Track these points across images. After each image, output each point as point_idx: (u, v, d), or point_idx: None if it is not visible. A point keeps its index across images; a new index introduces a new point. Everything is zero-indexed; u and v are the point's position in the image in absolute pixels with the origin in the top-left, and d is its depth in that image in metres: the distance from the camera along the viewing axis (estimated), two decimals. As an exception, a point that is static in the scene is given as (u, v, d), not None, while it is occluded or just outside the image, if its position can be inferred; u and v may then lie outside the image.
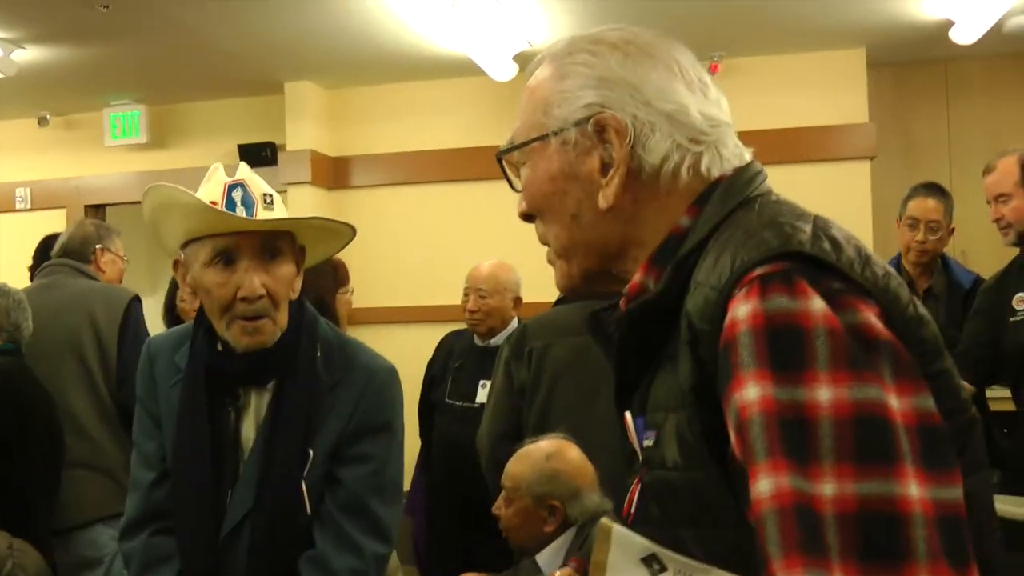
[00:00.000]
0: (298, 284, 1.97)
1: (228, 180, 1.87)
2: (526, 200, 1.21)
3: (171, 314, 3.75)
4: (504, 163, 1.25)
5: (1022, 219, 3.37)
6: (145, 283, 6.25)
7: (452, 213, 5.94)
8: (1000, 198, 3.42)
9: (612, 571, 1.14)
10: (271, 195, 1.90)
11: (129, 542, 2.00)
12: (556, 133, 1.15)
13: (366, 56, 5.47)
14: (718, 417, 0.96)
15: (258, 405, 1.97)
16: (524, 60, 5.03)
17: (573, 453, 2.62)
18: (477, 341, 4.01)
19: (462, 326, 4.15)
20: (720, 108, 1.17)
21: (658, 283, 1.10)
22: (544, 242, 1.23)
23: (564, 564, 2.41)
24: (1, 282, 3.46)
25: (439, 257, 5.84)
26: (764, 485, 0.87)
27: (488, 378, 3.39)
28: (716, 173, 1.14)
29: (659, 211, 1.13)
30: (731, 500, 0.96)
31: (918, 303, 1.01)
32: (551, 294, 2.28)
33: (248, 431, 1.96)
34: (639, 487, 1.17)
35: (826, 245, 0.97)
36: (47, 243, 4.10)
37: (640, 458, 1.14)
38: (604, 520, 1.24)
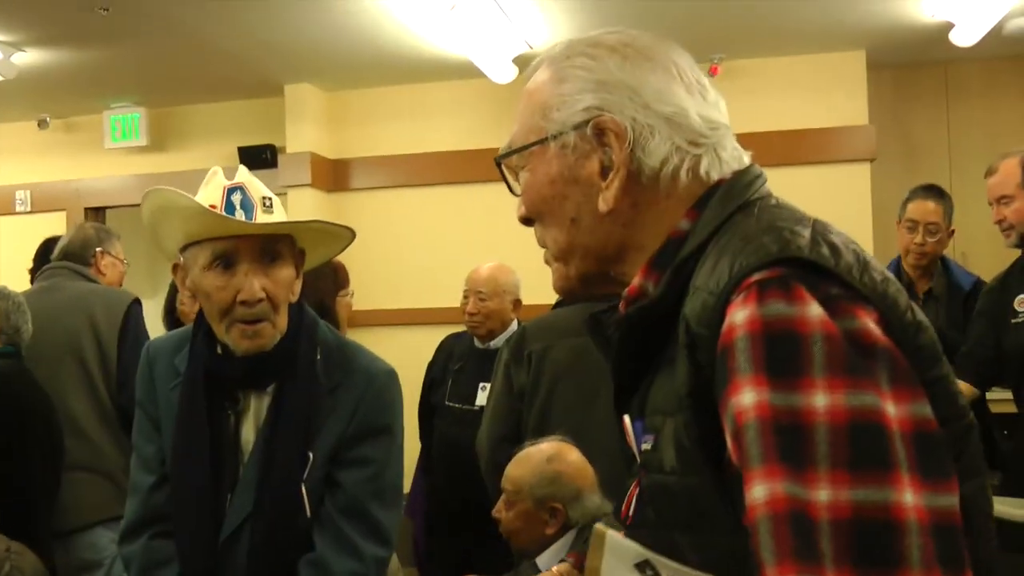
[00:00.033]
0: (297, 287, 1.97)
1: (227, 183, 1.87)
2: (525, 204, 1.21)
3: (171, 317, 3.75)
4: (503, 167, 1.24)
5: None
6: (145, 285, 6.25)
7: (452, 215, 5.94)
8: (1002, 200, 3.41)
9: None
10: (270, 198, 1.90)
11: (128, 546, 2.00)
12: (555, 137, 1.15)
13: (366, 58, 5.47)
14: (715, 422, 0.96)
15: (258, 408, 1.96)
16: (524, 62, 5.03)
17: (573, 455, 2.61)
18: (477, 343, 4.01)
19: (462, 328, 4.15)
20: (719, 110, 1.17)
21: (657, 286, 1.10)
22: (543, 245, 1.23)
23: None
24: (1, 285, 3.46)
25: (439, 259, 5.83)
26: (759, 491, 0.87)
27: (488, 380, 3.39)
28: (715, 176, 1.14)
29: (658, 214, 1.13)
30: (727, 506, 0.96)
31: (916, 309, 1.01)
32: (550, 296, 2.28)
33: (248, 434, 1.96)
34: (637, 490, 1.17)
35: (825, 250, 0.97)
36: (47, 246, 4.10)
37: (638, 461, 1.14)
38: (598, 526, 1.25)
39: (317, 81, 5.99)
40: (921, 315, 1.01)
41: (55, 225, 6.11)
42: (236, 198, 1.85)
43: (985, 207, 5.06)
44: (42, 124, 6.51)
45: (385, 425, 2.02)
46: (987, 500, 1.03)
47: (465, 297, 4.01)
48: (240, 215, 1.84)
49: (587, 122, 1.13)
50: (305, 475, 1.93)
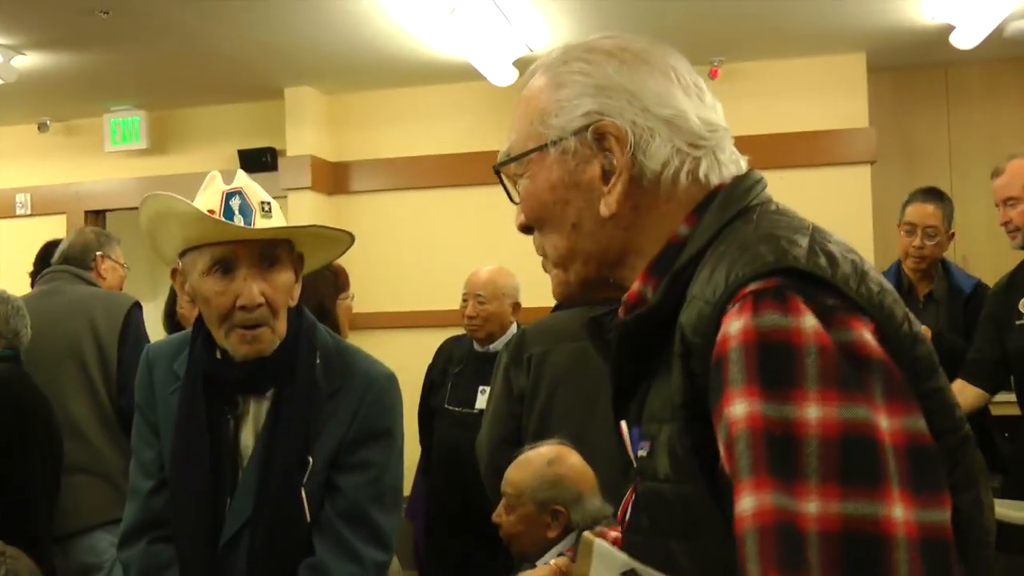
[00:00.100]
0: (297, 292, 1.97)
1: (226, 188, 1.87)
2: (524, 211, 1.21)
3: (171, 320, 3.75)
4: (502, 175, 1.24)
5: None
6: (146, 288, 6.25)
7: (452, 218, 5.94)
8: (1008, 201, 3.40)
9: None
10: (269, 203, 1.90)
11: (128, 550, 2.00)
12: (555, 143, 1.15)
13: (366, 61, 5.47)
14: (709, 431, 0.96)
15: (257, 413, 1.96)
16: (524, 65, 5.02)
17: (574, 458, 2.61)
18: (476, 347, 4.01)
19: (463, 331, 4.14)
20: (716, 113, 1.17)
21: (656, 292, 1.09)
22: (541, 253, 1.22)
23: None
24: (0, 288, 3.46)
25: (439, 262, 5.83)
26: (747, 502, 0.87)
27: (487, 384, 3.39)
28: (715, 180, 1.13)
29: (659, 218, 1.13)
30: (720, 515, 0.96)
31: (913, 320, 1.00)
32: (550, 299, 2.27)
33: (247, 439, 1.95)
34: (633, 497, 1.17)
35: (822, 261, 0.96)
36: (48, 250, 4.10)
37: (635, 468, 1.13)
38: (587, 534, 1.26)
39: (317, 84, 5.99)
40: (918, 327, 1.00)
41: (55, 228, 6.12)
42: (235, 203, 1.84)
43: (986, 209, 5.04)
44: (42, 127, 6.52)
45: (385, 429, 2.02)
46: (982, 513, 1.02)
47: (464, 300, 4.01)
48: (239, 220, 1.84)
49: (587, 127, 1.13)
50: (305, 479, 1.92)
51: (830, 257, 0.97)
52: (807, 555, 0.83)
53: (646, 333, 1.08)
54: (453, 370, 4.04)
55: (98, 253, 3.86)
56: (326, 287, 3.15)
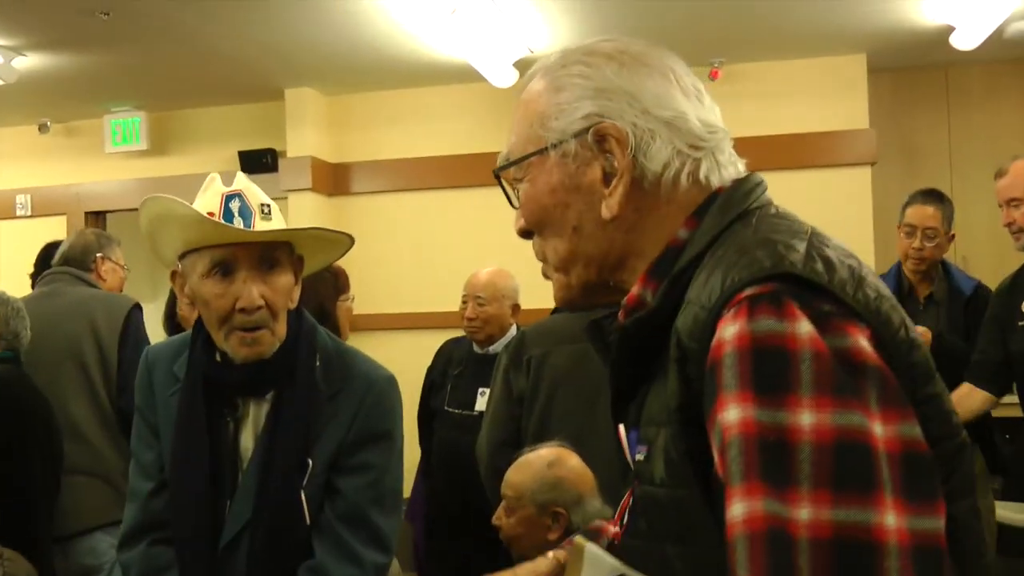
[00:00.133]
0: (296, 294, 1.97)
1: (225, 190, 1.87)
2: (525, 216, 1.20)
3: (171, 321, 3.75)
4: (502, 180, 1.23)
5: None
6: (146, 290, 6.25)
7: (453, 219, 5.94)
8: (1012, 202, 3.40)
9: None
10: (269, 205, 1.90)
11: (127, 552, 2.00)
12: (555, 146, 1.14)
13: (366, 62, 5.48)
14: (703, 436, 0.96)
15: (257, 415, 1.96)
16: (524, 66, 5.02)
17: (573, 460, 2.61)
18: (476, 349, 4.01)
19: (463, 333, 4.14)
20: (715, 115, 1.17)
21: (655, 295, 1.09)
22: (541, 258, 1.22)
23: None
24: (0, 290, 3.46)
25: (440, 263, 5.84)
26: (737, 509, 0.87)
27: (487, 386, 3.39)
28: (715, 181, 1.13)
29: (659, 219, 1.13)
30: (714, 520, 0.96)
31: (910, 327, 1.00)
32: (549, 301, 2.27)
33: (247, 441, 1.95)
34: (630, 500, 1.16)
35: (819, 266, 0.96)
36: (48, 251, 4.11)
37: (633, 471, 1.13)
38: (578, 538, 1.26)
39: (318, 85, 5.99)
40: (914, 333, 1.00)
41: (55, 229, 6.12)
42: (234, 205, 1.84)
43: (986, 210, 5.03)
44: (43, 128, 6.52)
45: (385, 431, 2.02)
46: (979, 521, 1.01)
47: (464, 302, 4.01)
48: (238, 222, 1.83)
49: (587, 129, 1.12)
50: (304, 482, 1.92)
51: (827, 262, 0.97)
52: (798, 562, 0.83)
53: (645, 337, 1.08)
54: (453, 372, 4.04)
55: (98, 255, 3.87)
56: (326, 289, 3.15)
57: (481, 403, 3.72)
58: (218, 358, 1.95)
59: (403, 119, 6.08)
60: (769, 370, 0.89)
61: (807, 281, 0.94)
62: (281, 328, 1.92)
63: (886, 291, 1.01)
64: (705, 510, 0.97)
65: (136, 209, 1.91)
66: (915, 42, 5.25)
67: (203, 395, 1.94)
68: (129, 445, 2.15)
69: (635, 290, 1.12)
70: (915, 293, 3.95)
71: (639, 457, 1.09)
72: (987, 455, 3.73)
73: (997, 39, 4.92)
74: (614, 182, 1.12)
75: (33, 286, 4.01)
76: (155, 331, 3.77)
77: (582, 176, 1.14)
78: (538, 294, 2.79)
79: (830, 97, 5.54)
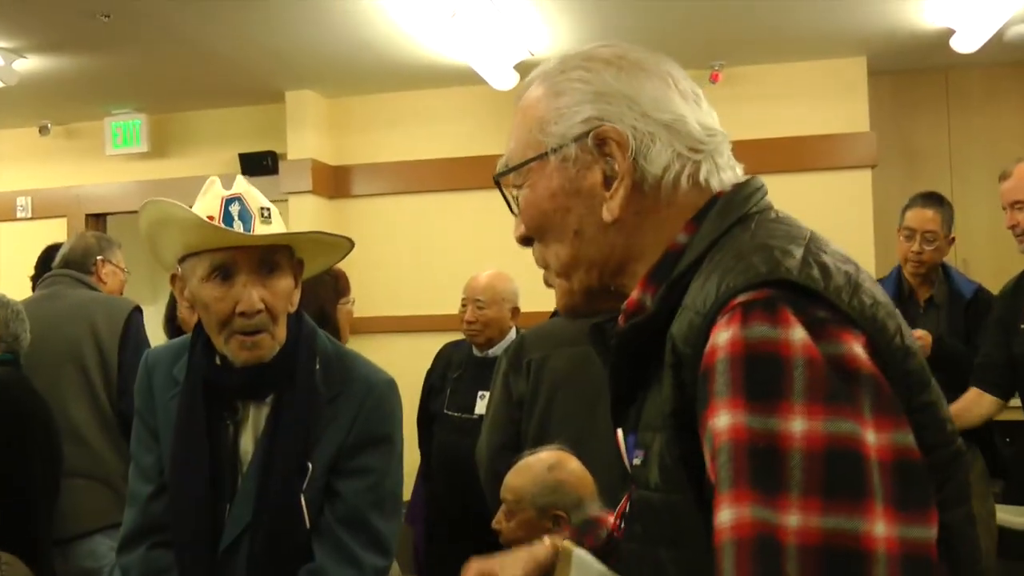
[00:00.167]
0: (296, 297, 1.97)
1: (225, 194, 1.87)
2: (525, 221, 1.20)
3: (172, 324, 3.75)
4: (501, 186, 1.23)
5: None
6: (146, 292, 6.25)
7: (453, 222, 5.94)
8: (1016, 204, 3.39)
9: None
10: (268, 209, 1.90)
11: (127, 555, 2.00)
12: (555, 150, 1.14)
13: (367, 65, 5.48)
14: (696, 442, 0.96)
15: (256, 419, 1.96)
16: (525, 69, 5.03)
17: (573, 464, 2.61)
18: (475, 352, 4.01)
19: (462, 336, 4.14)
20: (713, 119, 1.17)
21: (654, 300, 1.09)
22: (542, 265, 1.22)
23: None
24: (0, 293, 3.47)
25: (440, 266, 5.83)
26: (725, 515, 0.87)
27: (487, 389, 3.39)
28: (714, 184, 1.13)
29: (659, 222, 1.13)
30: (708, 525, 0.95)
31: (906, 334, 0.99)
32: (549, 304, 2.27)
33: (247, 445, 1.95)
34: (627, 504, 1.17)
35: (815, 272, 0.96)
36: (49, 253, 4.11)
37: (630, 475, 1.14)
38: (566, 543, 1.26)
39: (318, 87, 6.00)
40: (910, 340, 0.99)
41: (56, 231, 6.12)
42: (234, 208, 1.84)
43: (986, 213, 5.03)
44: (43, 130, 6.53)
45: (385, 434, 2.02)
46: (974, 528, 1.01)
47: (463, 305, 4.01)
48: (238, 226, 1.83)
49: (587, 133, 1.12)
50: (304, 485, 1.92)
51: (823, 268, 0.97)
52: (786, 568, 0.83)
53: (643, 341, 1.08)
54: (452, 375, 4.04)
55: (99, 257, 3.87)
56: (327, 292, 3.15)
57: (481, 406, 3.72)
58: (218, 361, 1.95)
59: (403, 122, 6.08)
60: (761, 376, 0.89)
61: (802, 287, 0.94)
62: (281, 332, 1.92)
63: (883, 297, 1.00)
64: (698, 515, 0.97)
65: (137, 211, 1.91)
66: (915, 45, 5.25)
67: (203, 398, 1.94)
68: (129, 448, 2.15)
69: (635, 294, 1.12)
70: (915, 296, 3.95)
71: (636, 461, 1.09)
72: (988, 458, 3.73)
73: (997, 42, 4.93)
74: (615, 185, 1.12)
75: (34, 288, 4.02)
76: (155, 334, 3.77)
77: (583, 180, 1.14)
78: (538, 297, 2.79)
79: (830, 100, 5.55)
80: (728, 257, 1.01)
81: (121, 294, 4.00)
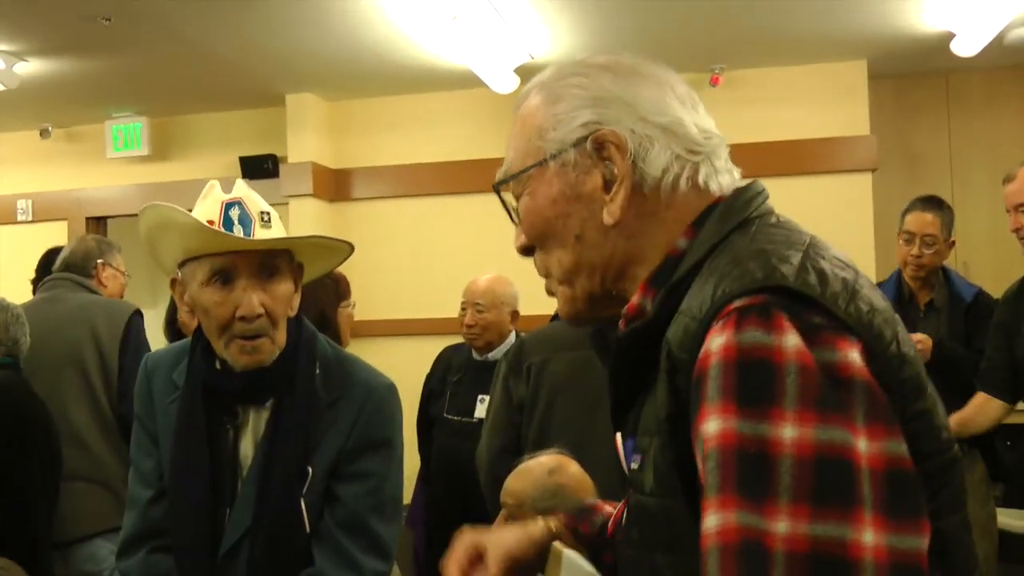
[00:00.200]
0: (296, 302, 1.96)
1: (225, 198, 1.86)
2: (526, 230, 1.20)
3: (172, 327, 3.76)
4: (501, 196, 1.24)
5: None
6: (146, 296, 6.26)
7: (453, 225, 5.93)
8: (1020, 208, 3.38)
9: None
10: (268, 213, 1.90)
11: (127, 560, 2.00)
12: (554, 156, 1.15)
13: (367, 68, 5.48)
14: (690, 447, 0.96)
15: (256, 423, 1.96)
16: (526, 72, 5.03)
17: (573, 468, 2.60)
18: (475, 355, 4.01)
19: (462, 339, 4.14)
20: (710, 123, 1.17)
21: (654, 305, 1.09)
22: (544, 273, 1.22)
23: None
24: (0, 296, 3.47)
25: (440, 269, 5.83)
26: (711, 520, 0.87)
27: (486, 393, 3.39)
28: (713, 187, 1.14)
29: (659, 226, 1.13)
30: (700, 531, 0.96)
31: (903, 341, 0.99)
32: (548, 307, 2.27)
33: (247, 449, 1.95)
34: (624, 509, 1.17)
35: (811, 278, 0.95)
36: (50, 257, 4.12)
37: (628, 480, 1.14)
38: (556, 544, 1.26)
39: (319, 91, 6.00)
40: (907, 347, 0.99)
41: (56, 234, 6.12)
42: (234, 213, 1.84)
43: (987, 217, 5.03)
44: (44, 133, 6.52)
45: (385, 439, 2.02)
46: (969, 534, 1.01)
47: (463, 309, 4.01)
48: (238, 230, 1.83)
49: (586, 138, 1.13)
50: (304, 490, 1.92)
51: (821, 275, 0.96)
52: (772, 574, 0.83)
53: (641, 347, 1.08)
54: (452, 379, 4.04)
55: (99, 261, 3.88)
56: (327, 295, 3.15)
57: (480, 410, 3.72)
58: (218, 366, 1.95)
59: (404, 125, 6.08)
60: (754, 382, 0.89)
61: (798, 293, 0.94)
62: (281, 336, 1.92)
63: (881, 304, 1.00)
64: (691, 520, 0.97)
65: (137, 215, 1.91)
66: (916, 48, 5.25)
67: (203, 403, 1.94)
68: (129, 451, 2.15)
69: (635, 299, 1.12)
70: (915, 300, 3.94)
71: (633, 466, 1.10)
72: (988, 462, 3.73)
73: (997, 46, 4.93)
74: (615, 187, 1.12)
75: (34, 292, 4.02)
76: (156, 337, 3.77)
77: (582, 185, 1.14)
78: (537, 301, 2.78)
79: (831, 103, 5.54)
80: (725, 262, 1.01)
81: (121, 298, 4.00)
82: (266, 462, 1.92)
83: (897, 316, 1.03)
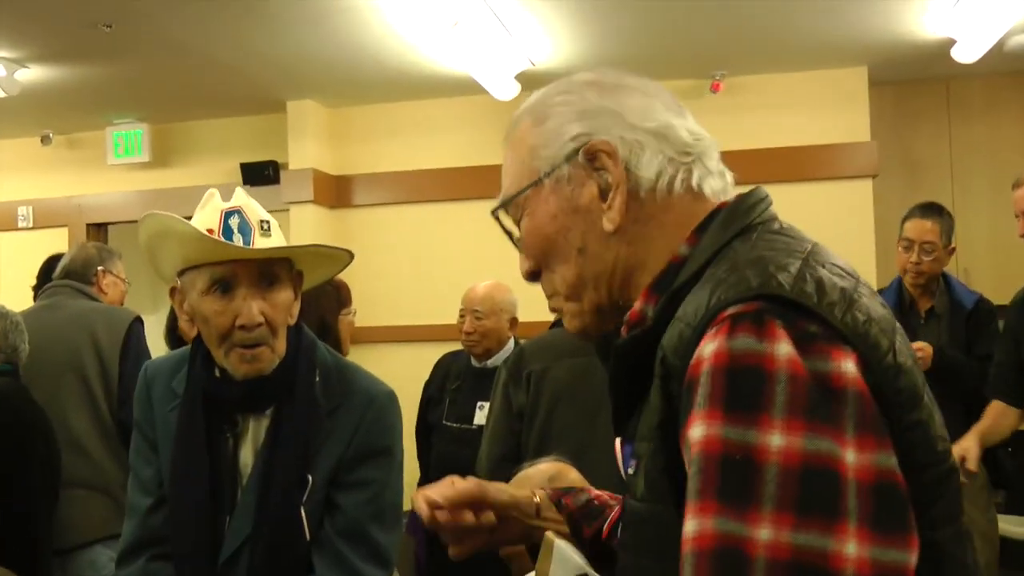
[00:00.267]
0: (296, 310, 1.96)
1: (224, 207, 1.86)
2: (528, 251, 1.21)
3: (173, 334, 3.75)
4: (502, 222, 1.25)
5: None
6: (147, 303, 6.25)
7: (453, 232, 5.93)
8: None
9: None
10: (268, 222, 1.89)
11: (126, 568, 1.99)
12: (548, 174, 1.16)
13: (368, 75, 5.48)
14: (680, 453, 0.96)
15: (256, 431, 1.95)
16: (526, 79, 5.05)
17: (573, 475, 2.59)
18: (474, 362, 4.00)
19: (461, 346, 4.13)
20: (699, 126, 1.18)
21: (654, 312, 1.09)
22: (551, 293, 1.22)
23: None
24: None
25: (440, 276, 5.83)
26: (689, 526, 0.88)
27: (485, 399, 3.38)
28: (707, 190, 1.14)
29: (658, 230, 1.14)
30: None
31: (899, 351, 0.98)
32: (547, 314, 2.27)
33: (246, 457, 1.95)
34: (620, 514, 1.17)
35: (808, 287, 0.95)
36: (50, 264, 4.12)
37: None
38: (548, 534, 1.27)
39: (319, 97, 6.00)
40: (904, 357, 0.98)
41: (57, 241, 6.13)
42: (234, 222, 1.84)
43: (987, 223, 5.02)
44: (45, 140, 6.53)
45: (385, 447, 2.01)
46: (963, 546, 1.01)
47: (461, 316, 4.00)
48: (238, 239, 1.83)
49: (577, 150, 1.14)
50: (304, 498, 1.92)
51: (818, 283, 0.96)
52: None
53: (641, 354, 1.08)
54: (451, 386, 4.04)
55: (99, 268, 3.88)
56: (328, 303, 3.15)
57: (479, 417, 3.72)
58: (217, 374, 1.95)
59: (405, 131, 6.09)
60: (743, 389, 0.89)
61: (794, 302, 0.93)
62: (281, 344, 1.92)
63: (879, 313, 0.99)
64: (680, 527, 0.96)
65: (138, 221, 1.91)
66: (916, 55, 5.25)
67: (202, 411, 1.94)
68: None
69: (637, 305, 1.12)
70: (916, 307, 3.94)
71: (630, 471, 1.10)
72: (990, 469, 3.72)
73: (998, 52, 4.93)
74: (611, 194, 1.13)
75: (35, 299, 4.02)
76: (156, 344, 3.77)
77: (579, 197, 1.15)
78: (536, 307, 2.79)
79: (831, 109, 5.55)
80: (723, 269, 1.01)
81: (122, 305, 4.01)
82: (266, 470, 1.91)
83: (897, 324, 1.02)
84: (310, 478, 1.92)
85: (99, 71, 5.33)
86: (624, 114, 1.14)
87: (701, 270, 1.06)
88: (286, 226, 5.35)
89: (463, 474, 3.72)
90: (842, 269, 1.03)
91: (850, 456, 0.86)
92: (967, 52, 4.81)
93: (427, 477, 4.18)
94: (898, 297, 3.94)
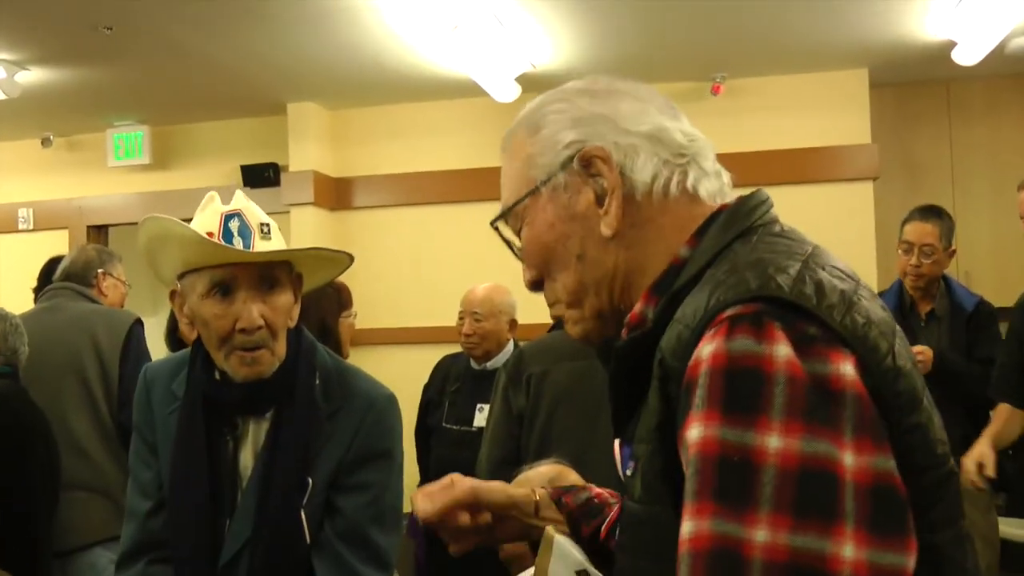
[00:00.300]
0: (296, 313, 1.96)
1: (224, 209, 1.86)
2: (529, 259, 1.22)
3: (174, 336, 3.76)
4: (502, 233, 1.25)
5: None
6: (147, 305, 6.25)
7: (453, 234, 5.93)
8: None
9: None
10: (268, 224, 1.89)
11: (126, 572, 1.99)
12: (545, 182, 1.17)
13: (369, 77, 5.49)
14: (678, 455, 0.96)
15: (256, 434, 1.95)
16: (527, 81, 5.05)
17: (573, 477, 2.58)
18: (473, 364, 4.00)
19: (461, 348, 4.13)
20: (693, 128, 1.19)
21: (654, 314, 1.09)
22: (553, 301, 1.23)
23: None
24: (-1, 306, 3.48)
25: (440, 278, 5.83)
26: (686, 527, 0.88)
27: (485, 402, 3.38)
28: (702, 191, 1.15)
29: (656, 232, 1.14)
30: None
31: (899, 354, 0.98)
32: (547, 316, 2.27)
33: (246, 460, 1.95)
34: (618, 515, 1.17)
35: (807, 289, 0.95)
36: (51, 266, 4.12)
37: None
38: (548, 529, 1.28)
39: (320, 99, 6.01)
40: (903, 360, 0.98)
41: (58, 243, 6.13)
42: (233, 225, 1.84)
43: (988, 225, 5.02)
44: (45, 142, 6.53)
45: (385, 450, 2.01)
46: (962, 549, 1.00)
47: (461, 318, 4.00)
48: (238, 242, 1.83)
49: (572, 157, 1.15)
50: (304, 501, 1.92)
51: (818, 285, 0.96)
52: None
53: (640, 356, 1.08)
54: (450, 388, 4.04)
55: (100, 270, 3.88)
56: (329, 305, 3.15)
57: (479, 419, 3.72)
58: (217, 376, 1.95)
59: (405, 133, 6.09)
60: (741, 390, 0.89)
61: (793, 304, 0.93)
62: (281, 347, 1.92)
63: (879, 315, 0.99)
64: (677, 529, 0.96)
65: (138, 223, 1.91)
66: (917, 57, 5.25)
67: (202, 413, 1.94)
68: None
69: (637, 307, 1.12)
70: (916, 309, 3.94)
71: (628, 473, 1.10)
72: (990, 471, 3.72)
73: (999, 54, 4.93)
74: (607, 200, 1.14)
75: (36, 301, 4.02)
76: (157, 346, 3.77)
77: (576, 204, 1.16)
78: (535, 309, 2.78)
79: (832, 112, 5.55)
80: (723, 271, 1.01)
81: (122, 307, 4.01)
82: (266, 473, 1.91)
83: (897, 327, 1.02)
84: (310, 481, 1.92)
85: (99, 73, 5.33)
86: (617, 119, 1.15)
87: (701, 272, 1.06)
88: (286, 228, 5.36)
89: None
90: (842, 271, 1.03)
91: (848, 458, 0.86)
92: (968, 54, 4.81)
93: (427, 479, 4.15)
94: (898, 300, 3.94)
